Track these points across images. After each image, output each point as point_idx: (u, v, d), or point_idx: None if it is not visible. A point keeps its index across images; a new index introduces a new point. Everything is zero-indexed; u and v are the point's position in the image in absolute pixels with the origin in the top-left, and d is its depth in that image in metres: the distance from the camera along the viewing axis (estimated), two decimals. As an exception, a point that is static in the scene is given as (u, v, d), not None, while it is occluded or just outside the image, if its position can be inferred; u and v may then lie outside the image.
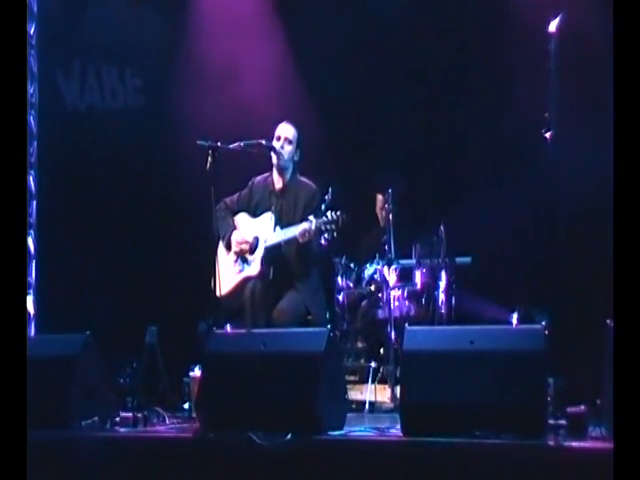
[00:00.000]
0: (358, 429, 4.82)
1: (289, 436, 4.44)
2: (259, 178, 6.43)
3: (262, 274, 6.06)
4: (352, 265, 6.97)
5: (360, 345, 6.75)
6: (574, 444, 4.19)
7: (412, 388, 4.55)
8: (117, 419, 5.14)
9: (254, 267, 6.11)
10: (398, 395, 5.35)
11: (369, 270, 6.91)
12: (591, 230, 6.81)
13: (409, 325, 5.05)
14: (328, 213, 5.74)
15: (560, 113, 5.37)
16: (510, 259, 7.14)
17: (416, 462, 4.27)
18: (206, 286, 5.95)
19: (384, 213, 6.97)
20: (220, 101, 7.84)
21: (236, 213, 6.37)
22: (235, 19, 8.05)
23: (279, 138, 6.24)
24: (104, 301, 7.95)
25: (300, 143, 6.29)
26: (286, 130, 6.27)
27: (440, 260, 6.64)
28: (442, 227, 6.63)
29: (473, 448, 4.20)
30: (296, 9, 7.95)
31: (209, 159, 5.78)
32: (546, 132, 5.32)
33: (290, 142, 6.25)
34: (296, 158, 6.30)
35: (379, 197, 7.29)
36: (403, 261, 6.82)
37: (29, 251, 8.09)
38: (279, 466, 4.42)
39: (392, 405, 6.06)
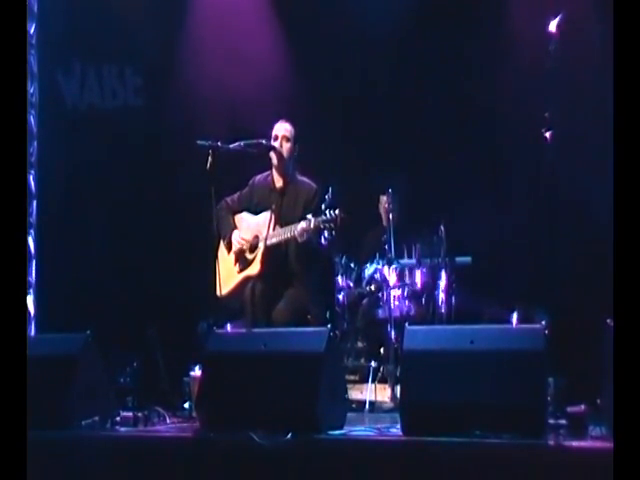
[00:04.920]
0: (358, 429, 4.83)
1: (289, 436, 4.44)
2: (259, 177, 6.43)
3: (262, 274, 6.06)
4: (352, 265, 6.97)
5: (360, 345, 6.75)
6: (574, 444, 4.18)
7: (412, 388, 4.55)
8: (117, 419, 5.15)
9: (254, 266, 6.11)
10: (398, 395, 5.35)
11: (369, 270, 6.91)
12: (591, 230, 6.81)
13: (409, 325, 5.05)
14: (327, 211, 5.73)
15: (560, 113, 5.37)
16: (510, 259, 7.14)
17: (416, 462, 4.27)
18: (206, 286, 5.95)
19: (385, 213, 6.99)
20: (220, 100, 7.85)
21: (237, 212, 6.37)
22: (235, 17, 8.05)
23: (277, 137, 6.24)
24: (104, 301, 7.96)
25: (298, 139, 6.28)
26: (283, 128, 6.26)
27: (440, 260, 6.64)
28: (442, 227, 6.63)
29: (473, 448, 4.20)
30: (296, 7, 7.94)
31: (209, 159, 5.79)
32: (546, 132, 5.32)
33: (288, 139, 6.25)
34: (295, 154, 6.30)
35: (382, 197, 7.29)
36: (403, 261, 6.82)
37: (29, 251, 8.10)
38: (279, 466, 4.42)
39: (392, 405, 6.06)
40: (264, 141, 6.18)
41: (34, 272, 8.19)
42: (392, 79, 7.69)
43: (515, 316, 6.10)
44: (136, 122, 8.30)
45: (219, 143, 5.87)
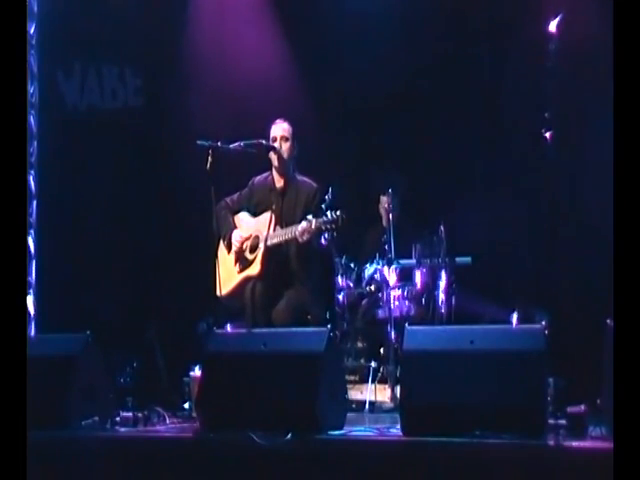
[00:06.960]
0: (358, 429, 4.83)
1: (289, 436, 4.44)
2: (259, 177, 6.43)
3: (262, 274, 6.06)
4: (352, 265, 6.97)
5: (360, 345, 6.74)
6: (574, 444, 4.19)
7: (412, 388, 4.55)
8: (117, 419, 5.15)
9: (254, 267, 6.11)
10: (398, 395, 5.35)
11: (369, 270, 6.90)
12: (591, 230, 6.81)
13: (409, 325, 5.04)
14: (328, 212, 5.73)
15: (560, 113, 5.37)
16: (510, 259, 7.14)
17: (416, 462, 4.27)
18: (206, 286, 5.95)
19: (385, 213, 6.99)
20: (220, 100, 7.85)
21: (236, 212, 6.37)
22: (234, 17, 8.06)
23: (275, 139, 6.23)
24: (104, 301, 7.96)
25: (296, 137, 6.27)
26: (281, 129, 6.25)
27: (440, 260, 6.64)
28: (442, 227, 6.63)
29: (473, 448, 4.20)
30: (295, 6, 7.94)
31: (209, 159, 5.79)
32: (546, 132, 5.33)
33: (287, 139, 6.24)
34: (295, 153, 6.29)
35: (382, 197, 7.29)
36: (403, 261, 6.82)
37: (29, 251, 8.09)
38: (279, 466, 4.43)
39: (392, 405, 6.06)
40: (264, 141, 6.17)
41: (34, 272, 8.18)
42: (392, 78, 7.67)
43: (515, 316, 6.10)
44: (136, 122, 8.30)
45: (219, 143, 5.88)
